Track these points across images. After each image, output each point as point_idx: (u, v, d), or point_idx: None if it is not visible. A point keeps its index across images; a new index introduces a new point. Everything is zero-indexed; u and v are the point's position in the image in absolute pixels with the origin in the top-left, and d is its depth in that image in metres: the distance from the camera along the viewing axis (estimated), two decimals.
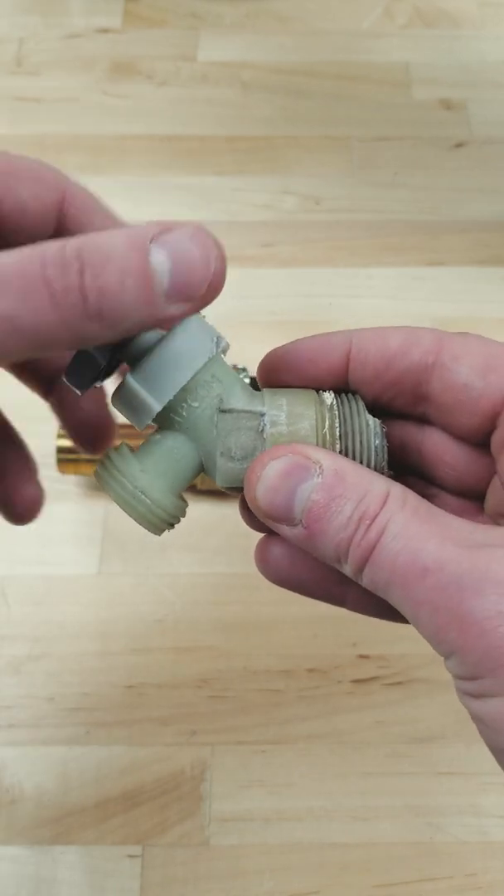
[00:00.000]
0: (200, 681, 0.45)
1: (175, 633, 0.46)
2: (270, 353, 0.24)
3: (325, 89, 0.67)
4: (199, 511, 0.49)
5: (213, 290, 0.19)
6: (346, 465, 0.20)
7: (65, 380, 0.23)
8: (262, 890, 0.40)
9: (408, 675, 0.44)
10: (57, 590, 0.47)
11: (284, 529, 0.20)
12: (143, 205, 0.61)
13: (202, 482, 0.48)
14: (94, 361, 0.22)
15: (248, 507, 0.23)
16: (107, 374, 0.23)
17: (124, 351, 0.22)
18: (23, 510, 0.28)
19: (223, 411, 0.23)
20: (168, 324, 0.20)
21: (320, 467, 0.20)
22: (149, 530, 0.23)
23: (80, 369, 0.23)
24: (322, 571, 0.23)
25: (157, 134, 0.65)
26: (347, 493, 0.20)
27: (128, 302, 0.19)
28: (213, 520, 0.49)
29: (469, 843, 0.41)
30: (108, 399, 0.25)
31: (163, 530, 0.23)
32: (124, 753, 0.43)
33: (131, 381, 0.22)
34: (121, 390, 0.23)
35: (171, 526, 0.23)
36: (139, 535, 0.49)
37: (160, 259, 0.19)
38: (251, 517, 0.23)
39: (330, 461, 0.20)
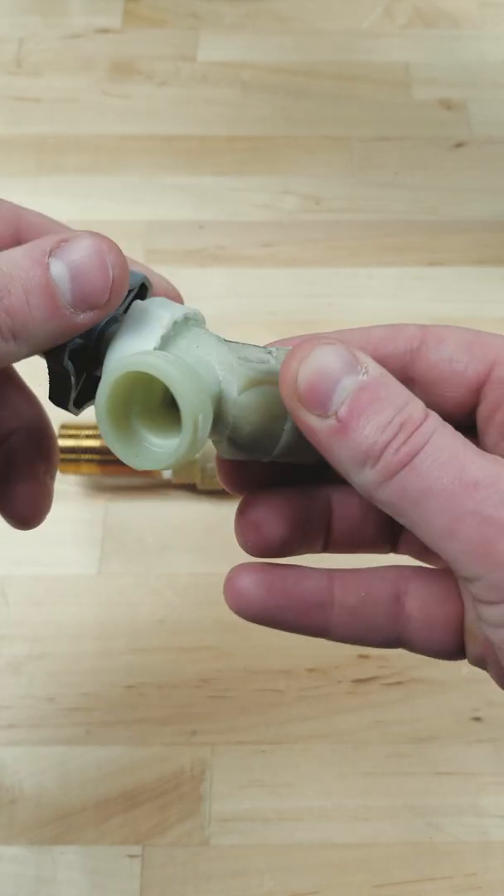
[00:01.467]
0: (200, 681, 0.45)
1: (175, 633, 0.46)
2: None
3: (325, 89, 0.67)
4: (200, 511, 0.49)
5: (116, 294, 0.20)
6: (388, 372, 0.19)
7: (51, 402, 0.23)
8: (263, 890, 0.40)
9: (407, 675, 0.44)
10: (57, 590, 0.47)
11: (311, 419, 0.19)
12: (143, 205, 0.61)
13: (202, 482, 0.48)
14: (65, 375, 0.22)
15: (225, 470, 0.23)
16: (86, 385, 0.23)
17: (95, 358, 0.22)
18: (21, 510, 0.27)
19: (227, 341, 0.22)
20: (80, 330, 0.21)
21: (366, 367, 0.19)
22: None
23: (57, 387, 0.22)
24: (302, 595, 0.22)
25: (156, 134, 0.65)
26: (391, 397, 0.19)
27: (37, 318, 0.19)
28: (213, 520, 0.49)
29: (469, 843, 0.41)
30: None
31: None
32: (124, 753, 0.43)
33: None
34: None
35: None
36: (139, 535, 0.49)
37: (59, 271, 0.20)
38: (229, 477, 0.23)
39: (375, 365, 0.19)
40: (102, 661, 0.45)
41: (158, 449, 0.21)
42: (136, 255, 0.59)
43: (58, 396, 0.22)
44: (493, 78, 0.68)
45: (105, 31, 0.70)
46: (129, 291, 0.22)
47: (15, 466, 0.27)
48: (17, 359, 0.20)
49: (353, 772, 0.43)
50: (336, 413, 0.19)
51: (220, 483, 0.24)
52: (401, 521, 0.19)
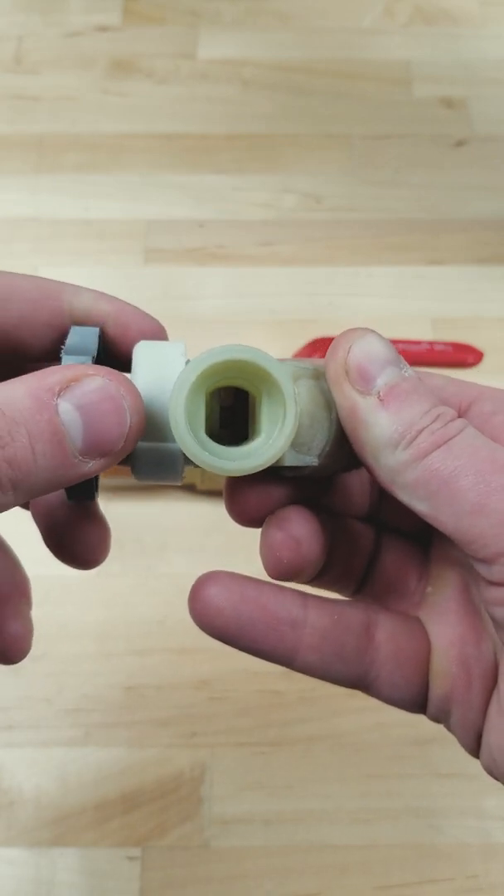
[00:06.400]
0: (200, 682, 0.45)
1: (175, 634, 0.46)
2: None
3: (326, 87, 0.67)
4: (199, 511, 0.49)
5: (130, 442, 0.19)
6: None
7: (70, 501, 0.22)
8: (262, 892, 0.40)
9: None
10: (57, 590, 0.47)
11: (353, 394, 0.20)
12: (142, 203, 0.61)
13: (202, 482, 0.48)
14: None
15: (233, 499, 0.22)
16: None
17: None
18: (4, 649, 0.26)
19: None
20: (83, 479, 0.19)
21: (407, 367, 0.20)
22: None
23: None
24: (277, 610, 0.21)
25: (156, 132, 0.65)
26: (428, 395, 0.20)
27: (41, 467, 0.18)
28: (213, 520, 0.49)
29: (470, 845, 0.41)
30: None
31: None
32: (124, 755, 0.43)
33: (141, 445, 0.20)
34: (138, 461, 0.21)
35: None
36: (138, 535, 0.49)
37: (70, 417, 0.18)
38: (239, 506, 0.22)
39: (413, 370, 0.20)
40: (102, 663, 0.45)
41: (239, 451, 0.20)
42: (136, 254, 0.59)
43: (76, 490, 0.21)
44: (494, 76, 0.68)
45: (104, 28, 0.70)
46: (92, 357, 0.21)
47: None
48: (7, 509, 0.18)
49: (354, 774, 0.42)
50: (378, 393, 0.20)
51: (219, 484, 0.24)
52: (419, 506, 0.19)
